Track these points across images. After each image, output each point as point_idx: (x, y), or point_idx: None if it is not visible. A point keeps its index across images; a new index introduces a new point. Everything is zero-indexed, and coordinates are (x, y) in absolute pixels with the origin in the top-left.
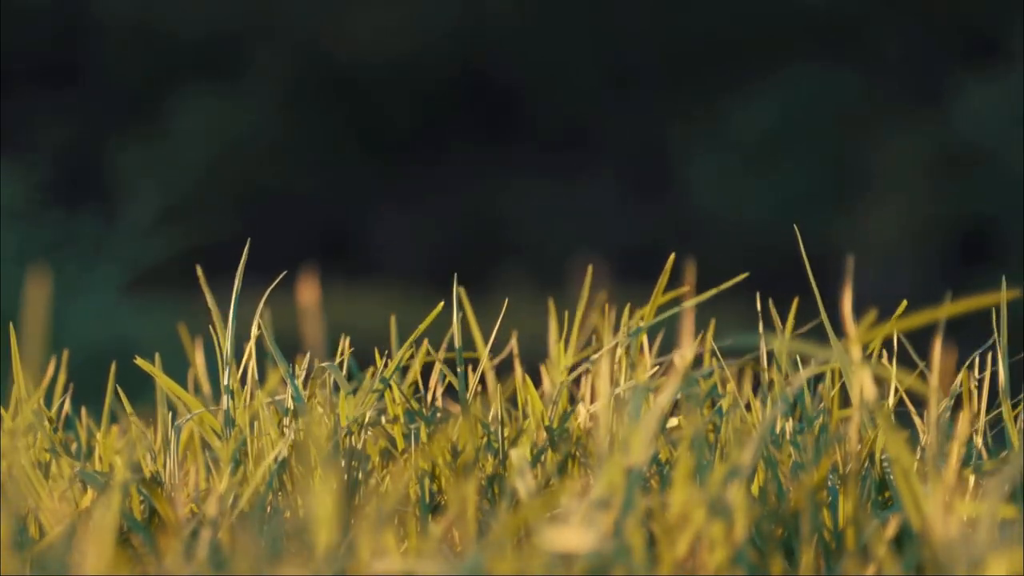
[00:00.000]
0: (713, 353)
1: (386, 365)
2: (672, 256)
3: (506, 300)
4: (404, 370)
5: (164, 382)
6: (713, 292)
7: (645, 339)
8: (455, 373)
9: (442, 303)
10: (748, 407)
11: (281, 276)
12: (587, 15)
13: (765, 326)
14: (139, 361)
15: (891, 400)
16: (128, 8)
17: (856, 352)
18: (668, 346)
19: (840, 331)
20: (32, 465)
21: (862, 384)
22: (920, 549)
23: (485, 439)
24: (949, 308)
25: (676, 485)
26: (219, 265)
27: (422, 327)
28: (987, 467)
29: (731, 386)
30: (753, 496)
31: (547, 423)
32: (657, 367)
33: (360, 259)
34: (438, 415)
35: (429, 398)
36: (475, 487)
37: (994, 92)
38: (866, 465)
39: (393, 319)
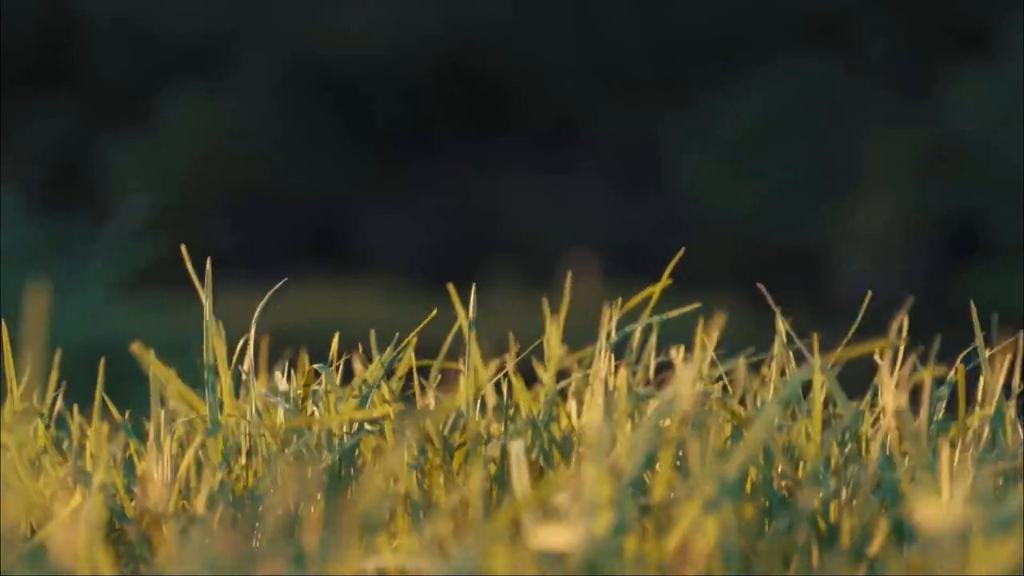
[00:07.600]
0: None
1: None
2: (681, 251)
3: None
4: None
5: (159, 369)
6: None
7: (638, 336)
8: (444, 371)
9: (435, 310)
10: (743, 403)
11: (283, 281)
12: (576, 11)
13: (757, 321)
14: (135, 347)
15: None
16: (117, 8)
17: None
18: (661, 343)
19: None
20: (24, 463)
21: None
22: (916, 544)
23: (475, 435)
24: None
25: (658, 481)
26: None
27: (417, 330)
28: (983, 460)
29: (718, 385)
30: (746, 492)
31: (537, 419)
32: (649, 366)
33: (350, 255)
34: (429, 409)
35: (420, 394)
36: (465, 483)
37: (985, 86)
38: (861, 459)
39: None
